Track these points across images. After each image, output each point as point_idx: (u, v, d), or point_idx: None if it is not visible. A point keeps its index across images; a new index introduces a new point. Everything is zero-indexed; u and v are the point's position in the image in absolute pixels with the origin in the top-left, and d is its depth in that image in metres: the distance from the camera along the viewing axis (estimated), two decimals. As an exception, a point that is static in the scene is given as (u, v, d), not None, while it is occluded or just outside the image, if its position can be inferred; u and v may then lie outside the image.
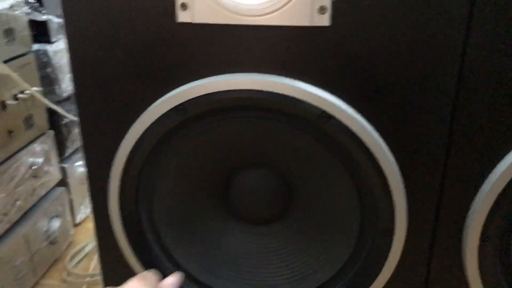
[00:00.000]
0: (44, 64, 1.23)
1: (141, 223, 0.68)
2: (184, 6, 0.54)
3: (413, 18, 0.52)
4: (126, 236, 0.68)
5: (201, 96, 0.57)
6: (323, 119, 0.56)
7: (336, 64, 0.55)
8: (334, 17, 0.53)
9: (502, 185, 0.57)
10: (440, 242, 0.62)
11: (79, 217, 1.45)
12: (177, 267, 0.69)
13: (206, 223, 0.69)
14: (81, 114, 0.63)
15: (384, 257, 0.62)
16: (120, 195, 0.65)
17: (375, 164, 0.57)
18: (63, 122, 1.33)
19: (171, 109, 0.58)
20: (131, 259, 0.69)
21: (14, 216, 1.11)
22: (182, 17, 0.55)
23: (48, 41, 1.25)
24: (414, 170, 0.59)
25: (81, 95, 0.62)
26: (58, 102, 1.28)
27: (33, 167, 1.16)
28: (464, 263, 0.62)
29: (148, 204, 0.66)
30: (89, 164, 0.66)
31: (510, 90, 0.54)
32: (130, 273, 0.71)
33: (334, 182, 0.61)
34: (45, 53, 1.23)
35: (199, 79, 0.58)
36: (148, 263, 0.69)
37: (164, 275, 0.69)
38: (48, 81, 1.25)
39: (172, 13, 0.55)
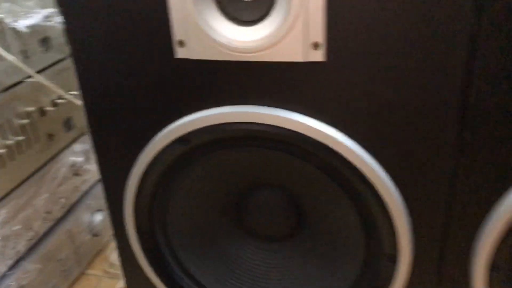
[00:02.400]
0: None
1: (156, 240, 0.71)
2: (181, 43, 0.55)
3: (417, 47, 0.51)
4: (144, 253, 0.71)
5: (202, 128, 0.59)
6: (323, 152, 0.56)
7: (333, 96, 0.55)
8: (329, 52, 0.52)
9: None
10: (446, 270, 0.61)
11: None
12: (192, 279, 0.73)
13: (219, 238, 0.71)
14: (95, 141, 0.66)
15: (389, 282, 0.62)
16: (135, 215, 0.69)
17: (376, 195, 0.57)
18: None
19: (175, 140, 0.60)
20: (150, 273, 0.73)
21: (57, 213, 1.18)
22: (180, 53, 0.56)
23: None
24: (418, 199, 0.58)
25: (93, 125, 0.66)
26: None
27: (74, 166, 1.23)
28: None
29: (162, 222, 0.70)
30: (106, 187, 0.70)
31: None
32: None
33: (339, 209, 0.62)
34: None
35: (200, 110, 0.59)
36: (165, 276, 0.73)
37: (180, 286, 0.73)
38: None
39: (171, 50, 0.56)
